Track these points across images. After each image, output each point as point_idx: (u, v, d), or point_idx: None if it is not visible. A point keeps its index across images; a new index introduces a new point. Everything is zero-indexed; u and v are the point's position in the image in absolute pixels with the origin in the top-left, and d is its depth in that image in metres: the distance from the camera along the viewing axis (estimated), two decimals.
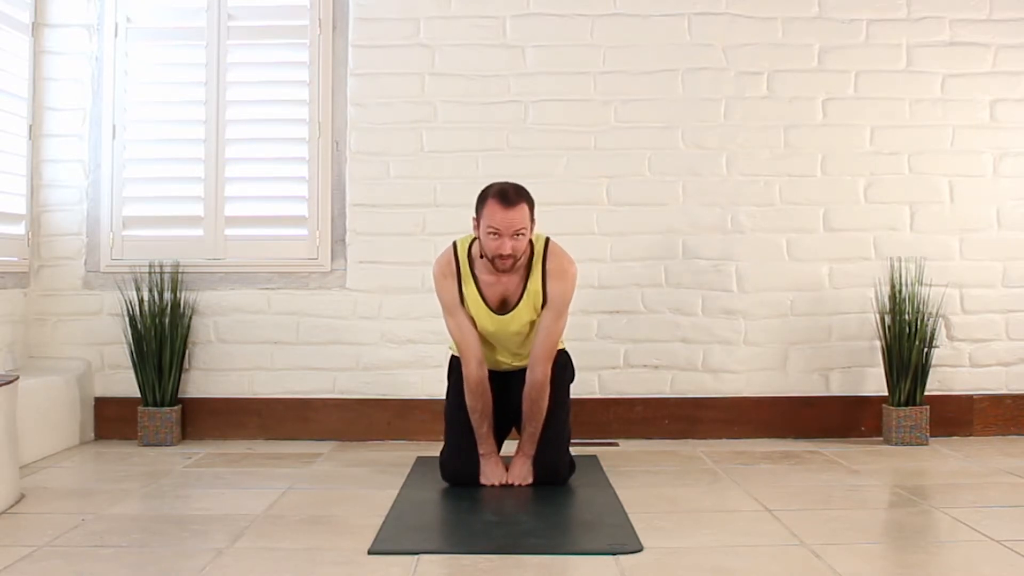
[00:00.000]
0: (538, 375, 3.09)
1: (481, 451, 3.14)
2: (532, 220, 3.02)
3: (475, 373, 3.10)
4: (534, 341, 3.12)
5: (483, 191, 3.05)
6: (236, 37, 4.09)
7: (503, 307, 3.11)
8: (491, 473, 3.12)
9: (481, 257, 3.07)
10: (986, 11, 4.06)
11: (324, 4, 4.08)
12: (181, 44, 4.13)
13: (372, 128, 4.05)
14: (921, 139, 4.06)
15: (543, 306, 3.10)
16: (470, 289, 3.10)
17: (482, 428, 3.13)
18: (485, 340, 3.17)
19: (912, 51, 4.06)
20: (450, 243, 3.19)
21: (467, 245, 3.12)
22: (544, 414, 3.11)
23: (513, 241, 2.95)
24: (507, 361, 3.23)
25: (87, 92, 4.09)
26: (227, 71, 4.08)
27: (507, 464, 3.16)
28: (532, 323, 3.13)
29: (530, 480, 3.11)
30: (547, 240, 3.13)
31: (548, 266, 3.09)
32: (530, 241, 3.07)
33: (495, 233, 2.95)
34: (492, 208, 2.95)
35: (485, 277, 3.10)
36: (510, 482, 3.10)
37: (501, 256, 2.97)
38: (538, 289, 3.09)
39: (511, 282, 3.09)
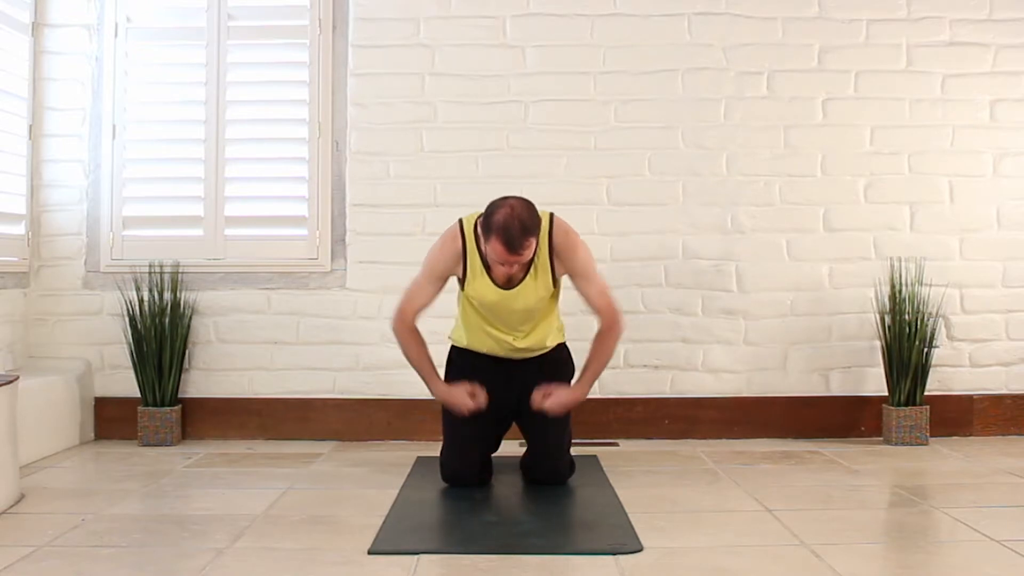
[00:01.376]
0: (605, 324, 3.11)
1: (436, 388, 3.13)
2: (539, 238, 2.97)
3: (408, 322, 3.11)
4: (591, 309, 3.13)
5: (490, 216, 2.90)
6: (236, 37, 4.09)
7: (509, 282, 3.07)
8: (457, 395, 3.09)
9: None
10: (986, 11, 4.06)
11: (324, 4, 4.09)
12: (181, 44, 4.13)
13: (372, 128, 4.05)
14: (921, 139, 4.06)
15: (554, 283, 3.09)
16: (476, 265, 3.07)
17: (425, 366, 3.13)
18: (485, 318, 3.14)
19: (912, 51, 4.06)
20: (456, 221, 3.14)
21: (473, 224, 3.07)
22: (609, 358, 3.15)
23: (519, 265, 2.97)
24: (509, 341, 3.14)
25: (87, 92, 4.09)
26: (227, 71, 4.08)
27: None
28: (536, 301, 3.09)
29: (560, 411, 3.07)
30: (551, 216, 3.09)
31: (555, 242, 3.06)
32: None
33: (500, 264, 2.95)
34: (496, 247, 2.88)
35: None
36: (548, 400, 3.06)
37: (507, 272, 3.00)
38: (546, 264, 3.06)
39: None
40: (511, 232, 2.84)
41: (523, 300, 3.08)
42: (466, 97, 4.05)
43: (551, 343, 3.25)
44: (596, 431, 3.96)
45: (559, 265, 3.08)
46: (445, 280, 3.14)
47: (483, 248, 3.01)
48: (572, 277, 3.12)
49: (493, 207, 2.92)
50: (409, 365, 3.18)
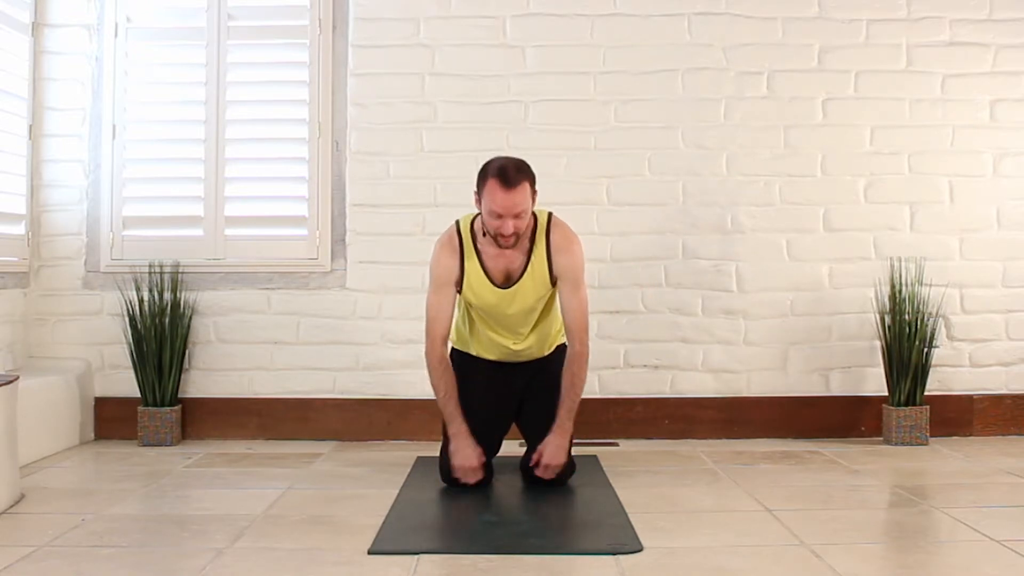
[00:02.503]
0: (576, 348, 3.07)
1: (451, 430, 3.06)
2: (533, 194, 2.99)
3: (438, 350, 3.08)
4: (564, 319, 3.11)
5: (484, 167, 2.98)
6: (236, 37, 4.09)
7: (507, 281, 3.08)
8: (465, 453, 3.02)
9: (484, 235, 3.05)
10: (986, 11, 4.06)
11: (324, 4, 4.09)
12: (181, 44, 4.13)
13: (372, 128, 4.06)
14: (921, 139, 4.06)
15: (552, 282, 3.08)
16: (473, 264, 3.08)
17: (450, 405, 3.06)
18: (484, 321, 3.15)
19: (912, 51, 4.06)
20: (452, 221, 3.17)
21: (469, 222, 3.11)
22: (583, 387, 3.09)
23: (515, 220, 2.94)
24: (508, 345, 3.17)
25: (87, 92, 4.09)
26: (227, 71, 4.08)
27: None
28: (536, 301, 3.10)
29: (563, 460, 3.04)
30: (550, 215, 3.12)
31: (552, 240, 3.07)
32: (533, 214, 3.05)
33: (496, 214, 2.93)
34: (492, 189, 2.90)
35: (488, 250, 3.07)
36: (543, 465, 3.02)
37: (503, 235, 2.95)
38: (543, 262, 3.06)
39: (515, 256, 3.07)
40: (507, 171, 2.90)
41: (521, 300, 3.08)
42: (466, 97, 4.05)
43: (551, 346, 3.26)
44: (596, 431, 3.96)
45: (555, 262, 3.08)
46: (454, 285, 3.10)
47: (478, 242, 3.03)
48: (559, 279, 3.09)
49: (488, 160, 3.01)
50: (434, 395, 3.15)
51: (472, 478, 3.03)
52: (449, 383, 3.09)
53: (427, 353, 3.10)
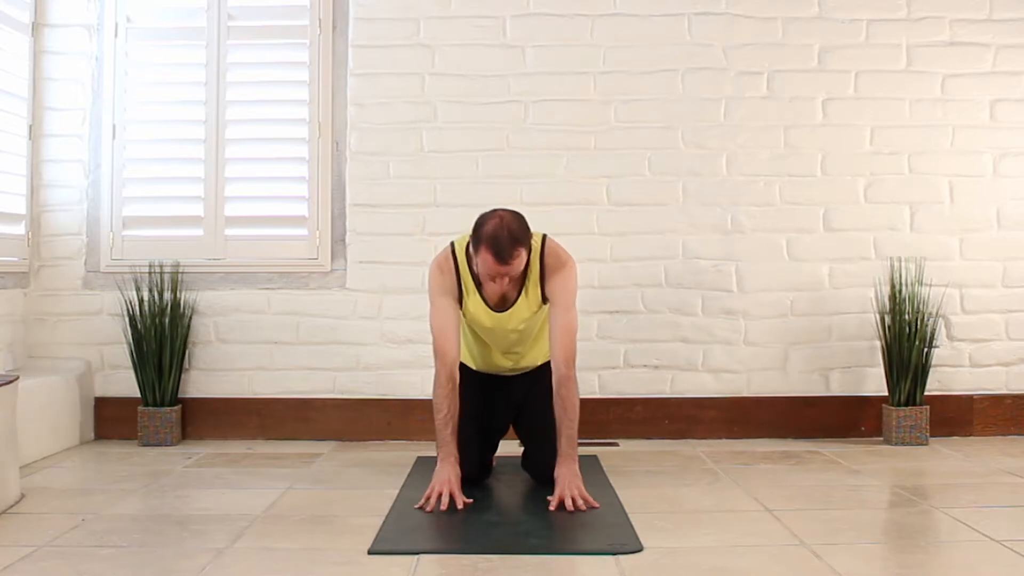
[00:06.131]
0: (563, 372, 2.95)
1: (441, 454, 2.92)
2: (529, 250, 2.89)
3: (449, 371, 2.95)
4: (551, 343, 3.00)
5: (479, 227, 2.86)
6: (236, 37, 4.09)
7: (502, 304, 3.06)
8: (448, 475, 2.87)
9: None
10: (986, 11, 4.06)
11: (324, 4, 4.09)
12: (181, 44, 4.14)
13: (372, 128, 4.06)
14: (921, 139, 4.06)
15: (544, 302, 3.05)
16: (470, 289, 3.06)
17: (446, 430, 2.92)
18: (480, 339, 3.15)
19: (912, 51, 4.07)
20: (447, 244, 3.12)
21: (464, 245, 3.05)
22: (577, 411, 2.95)
23: (510, 278, 2.90)
24: (503, 363, 3.19)
25: (87, 92, 4.09)
26: (227, 71, 4.08)
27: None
28: (531, 321, 3.09)
29: (580, 484, 2.85)
30: (544, 237, 3.06)
31: (546, 262, 3.02)
32: None
33: (490, 277, 2.88)
34: (486, 259, 2.82)
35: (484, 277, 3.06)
36: (566, 498, 2.79)
37: (498, 287, 2.94)
38: (536, 286, 3.04)
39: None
40: (500, 242, 2.79)
41: (516, 321, 3.07)
42: (466, 97, 4.05)
43: (547, 354, 3.25)
44: (596, 431, 3.96)
45: (547, 284, 3.03)
46: (456, 297, 3.04)
47: (474, 265, 2.96)
48: (550, 302, 3.03)
49: (482, 219, 2.87)
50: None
51: (444, 502, 2.79)
52: (453, 405, 2.94)
53: (436, 372, 2.96)
